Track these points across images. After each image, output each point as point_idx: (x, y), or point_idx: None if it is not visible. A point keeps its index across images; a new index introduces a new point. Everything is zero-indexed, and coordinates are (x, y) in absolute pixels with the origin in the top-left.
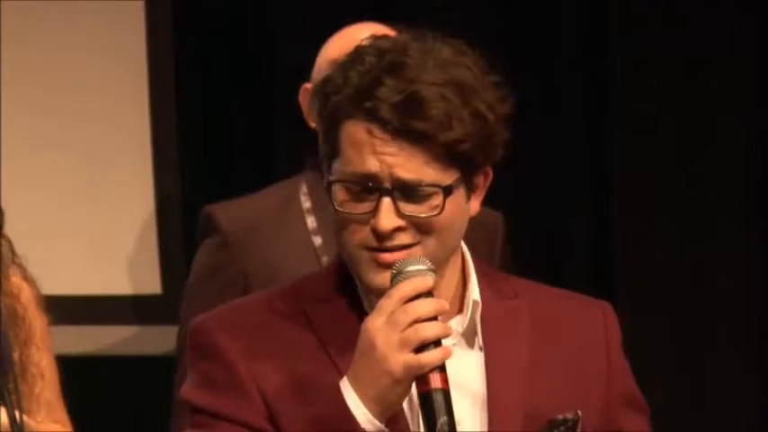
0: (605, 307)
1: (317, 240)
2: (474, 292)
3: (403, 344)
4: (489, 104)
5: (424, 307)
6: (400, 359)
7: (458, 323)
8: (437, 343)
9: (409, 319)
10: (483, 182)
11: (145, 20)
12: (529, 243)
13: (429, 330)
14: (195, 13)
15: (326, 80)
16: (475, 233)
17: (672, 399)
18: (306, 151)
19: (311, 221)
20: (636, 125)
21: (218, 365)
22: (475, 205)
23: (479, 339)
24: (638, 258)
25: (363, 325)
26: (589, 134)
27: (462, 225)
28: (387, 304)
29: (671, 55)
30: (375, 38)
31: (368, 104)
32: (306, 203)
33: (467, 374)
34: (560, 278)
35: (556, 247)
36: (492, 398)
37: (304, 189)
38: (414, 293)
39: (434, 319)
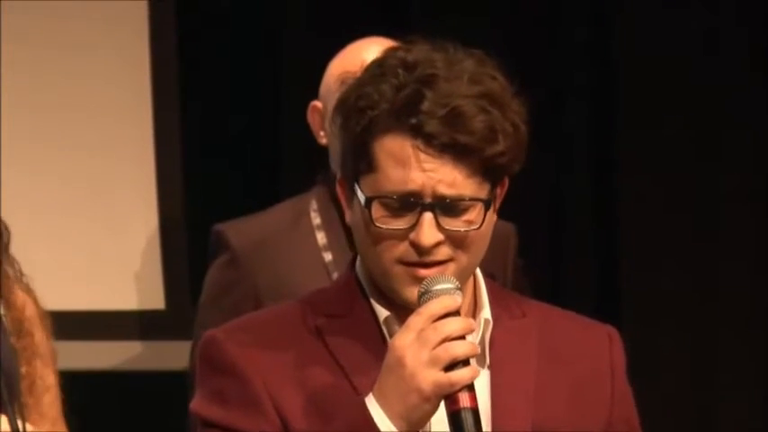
0: (611, 331)
1: (328, 256)
2: (485, 310)
3: (433, 362)
4: (519, 114)
5: (454, 325)
6: (430, 377)
7: (470, 340)
8: (465, 362)
9: (439, 337)
10: (500, 192)
11: (149, 45)
12: (531, 249)
13: (459, 349)
14: (198, 36)
15: (357, 95)
16: (488, 246)
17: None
18: (312, 168)
19: (321, 237)
20: (643, 127)
21: (232, 380)
22: (494, 215)
23: (487, 358)
24: (644, 265)
25: (392, 342)
26: (595, 135)
27: (489, 237)
28: (416, 322)
29: (676, 58)
30: (394, 49)
31: (413, 120)
32: (316, 219)
33: (477, 393)
34: (563, 284)
35: (559, 252)
36: (497, 417)
37: (314, 205)
38: (443, 312)
39: (462, 337)
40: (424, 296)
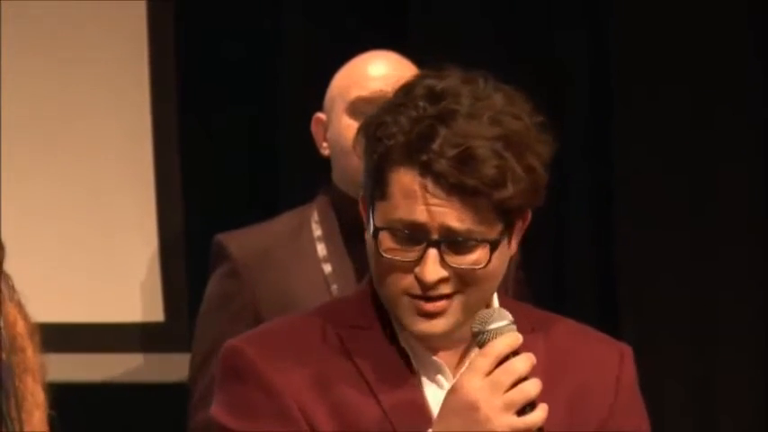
0: (623, 348)
1: (327, 268)
2: None
3: (508, 406)
4: (539, 156)
5: (523, 365)
6: (505, 422)
7: None
8: (532, 403)
9: (511, 379)
10: (522, 225)
11: (148, 58)
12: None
13: (533, 390)
14: (197, 44)
15: (378, 123)
16: None
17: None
18: (312, 179)
19: (321, 249)
20: (641, 130)
21: (262, 393)
22: (513, 246)
23: None
24: (642, 274)
25: (459, 383)
26: (592, 145)
27: (503, 271)
28: (483, 364)
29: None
30: (424, 75)
31: (423, 157)
32: (317, 231)
33: None
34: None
35: (557, 256)
36: None
37: (315, 216)
38: (508, 351)
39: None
40: (480, 336)
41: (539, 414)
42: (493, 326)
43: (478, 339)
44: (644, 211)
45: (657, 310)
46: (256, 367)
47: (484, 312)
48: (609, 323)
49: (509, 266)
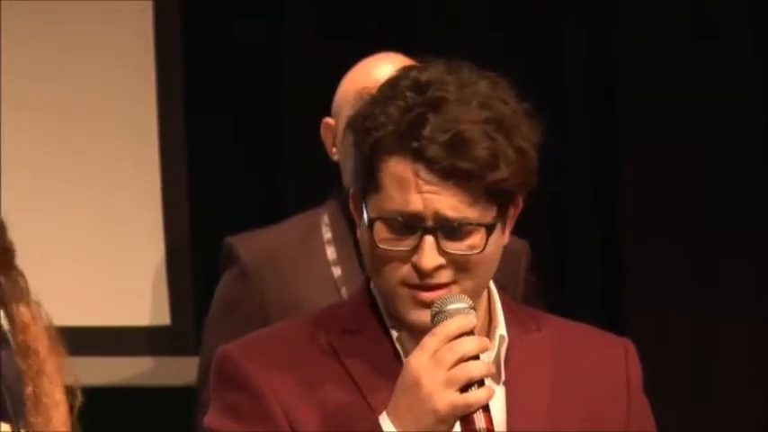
0: (627, 344)
1: (337, 271)
2: (500, 326)
3: (449, 382)
4: (528, 138)
5: (469, 345)
6: (446, 398)
7: (485, 358)
8: (480, 382)
9: (455, 357)
10: (514, 212)
11: (155, 63)
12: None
13: (475, 369)
14: (203, 45)
15: (365, 115)
16: (499, 262)
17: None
18: (317, 182)
19: (331, 252)
20: (644, 129)
21: (247, 396)
22: (506, 235)
23: (503, 374)
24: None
25: (407, 361)
26: (596, 146)
27: (498, 259)
28: (431, 342)
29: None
30: (408, 69)
31: (414, 144)
32: (327, 234)
33: (492, 410)
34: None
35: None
36: None
37: (325, 219)
38: (458, 332)
39: (477, 357)
40: (438, 316)
41: (482, 392)
42: (450, 307)
43: (435, 320)
44: (648, 212)
45: (661, 311)
46: (244, 372)
47: (446, 296)
48: (613, 322)
49: (520, 266)
